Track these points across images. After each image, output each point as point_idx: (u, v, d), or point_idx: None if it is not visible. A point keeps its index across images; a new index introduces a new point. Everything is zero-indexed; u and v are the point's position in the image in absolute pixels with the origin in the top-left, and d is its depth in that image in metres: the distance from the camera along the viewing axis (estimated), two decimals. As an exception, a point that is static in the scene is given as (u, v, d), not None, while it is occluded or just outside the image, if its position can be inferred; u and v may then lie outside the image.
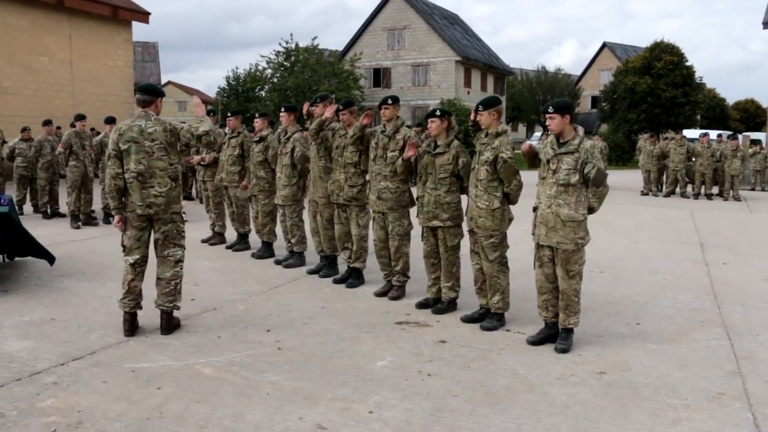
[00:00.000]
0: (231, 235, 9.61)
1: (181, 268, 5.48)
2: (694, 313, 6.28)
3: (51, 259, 7.19)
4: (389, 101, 6.51)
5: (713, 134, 22.93)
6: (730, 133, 23.55)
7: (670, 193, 18.98)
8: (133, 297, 5.27)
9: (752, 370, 4.75)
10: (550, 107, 5.05)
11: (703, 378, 4.58)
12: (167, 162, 5.25)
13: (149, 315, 5.76)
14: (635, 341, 5.37)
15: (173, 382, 4.32)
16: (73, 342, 5.09)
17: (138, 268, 5.29)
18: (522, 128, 67.77)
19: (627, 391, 4.33)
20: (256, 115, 8.59)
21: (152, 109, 5.33)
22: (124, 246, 5.30)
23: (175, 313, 5.57)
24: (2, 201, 7.01)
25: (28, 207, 12.81)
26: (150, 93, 5.35)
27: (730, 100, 61.22)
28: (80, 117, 11.44)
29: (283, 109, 8.03)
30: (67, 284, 6.93)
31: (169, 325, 5.42)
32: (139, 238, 5.27)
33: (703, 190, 18.69)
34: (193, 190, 15.80)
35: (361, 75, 42.40)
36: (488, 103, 5.57)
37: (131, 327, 5.29)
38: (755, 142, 27.60)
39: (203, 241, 9.58)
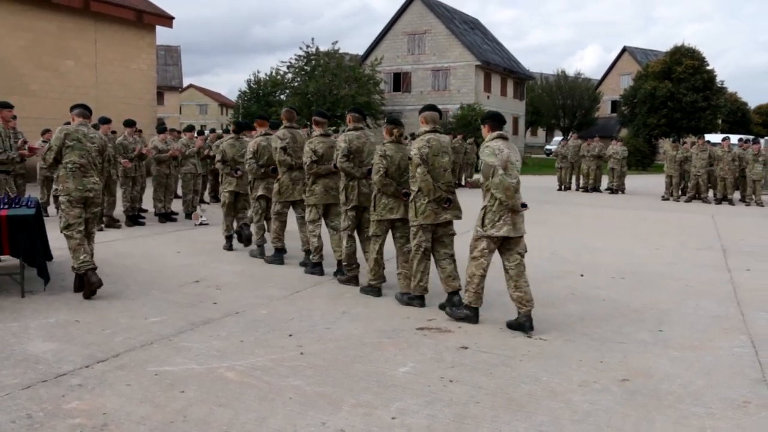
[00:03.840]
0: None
1: None
2: (718, 320, 6.23)
3: (46, 278, 6.64)
4: None
5: (734, 139, 22.68)
6: (751, 137, 23.31)
7: (692, 199, 18.85)
8: (90, 255, 6.63)
9: (778, 379, 4.71)
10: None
11: (727, 386, 4.54)
12: (100, 160, 6.89)
13: (171, 318, 5.82)
14: (658, 348, 5.34)
15: (196, 386, 4.34)
16: (97, 344, 5.14)
17: (83, 234, 6.68)
18: (541, 132, 67.48)
19: (650, 398, 4.30)
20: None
21: (89, 121, 6.90)
22: (69, 224, 6.59)
23: (199, 316, 5.64)
24: (29, 203, 7.02)
25: (51, 209, 12.92)
26: (90, 110, 6.98)
27: (754, 104, 60.59)
28: (105, 120, 11.47)
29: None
30: (91, 287, 6.99)
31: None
32: (80, 215, 6.68)
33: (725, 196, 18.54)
34: (206, 194, 15.58)
35: (381, 79, 42.46)
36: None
37: (98, 279, 6.43)
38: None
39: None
